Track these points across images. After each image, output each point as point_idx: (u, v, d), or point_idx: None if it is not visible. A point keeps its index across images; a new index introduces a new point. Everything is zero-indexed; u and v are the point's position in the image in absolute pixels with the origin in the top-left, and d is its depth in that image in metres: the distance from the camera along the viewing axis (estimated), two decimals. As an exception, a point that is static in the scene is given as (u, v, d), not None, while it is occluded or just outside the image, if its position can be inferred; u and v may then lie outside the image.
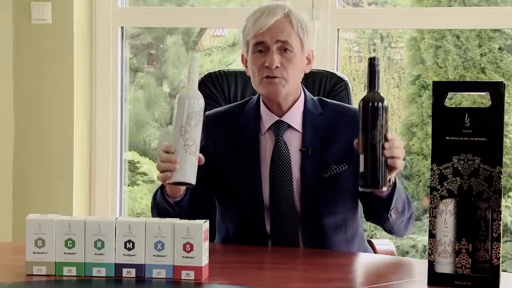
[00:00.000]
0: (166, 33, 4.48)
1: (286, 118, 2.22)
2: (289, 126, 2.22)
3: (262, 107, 2.24)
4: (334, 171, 2.19)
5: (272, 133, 2.22)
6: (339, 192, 2.19)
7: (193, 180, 1.90)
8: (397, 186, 2.06)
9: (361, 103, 1.89)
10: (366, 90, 1.90)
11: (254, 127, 2.24)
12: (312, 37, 2.23)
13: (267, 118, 2.23)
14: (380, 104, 1.87)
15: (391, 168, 1.92)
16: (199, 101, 1.90)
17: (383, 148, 1.88)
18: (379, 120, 1.87)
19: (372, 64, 1.88)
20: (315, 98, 2.30)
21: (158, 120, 4.52)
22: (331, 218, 2.21)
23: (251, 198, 2.20)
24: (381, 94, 1.89)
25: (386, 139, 1.89)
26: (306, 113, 2.23)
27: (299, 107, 2.24)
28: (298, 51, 2.18)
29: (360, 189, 1.90)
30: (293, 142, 2.21)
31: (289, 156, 2.19)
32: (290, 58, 2.17)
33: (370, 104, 1.87)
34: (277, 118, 2.22)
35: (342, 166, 2.19)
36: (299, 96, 2.25)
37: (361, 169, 1.88)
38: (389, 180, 1.97)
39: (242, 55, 2.26)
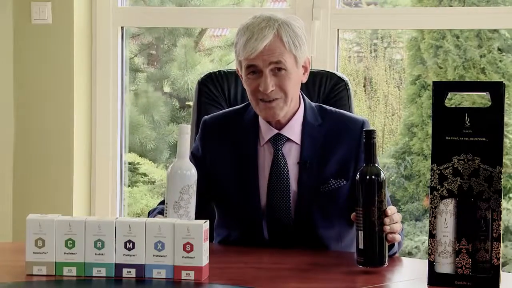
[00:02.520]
0: (170, 34, 4.49)
1: (285, 132, 2.20)
2: (288, 139, 2.20)
3: (261, 119, 2.22)
4: (332, 186, 2.19)
5: (271, 146, 2.20)
6: (336, 206, 2.19)
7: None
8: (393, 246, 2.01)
9: (359, 177, 1.87)
10: (363, 164, 1.88)
11: (253, 138, 2.22)
12: (307, 45, 2.18)
13: (266, 130, 2.21)
14: (378, 178, 1.86)
15: (389, 242, 1.90)
16: (191, 172, 1.89)
17: (383, 224, 1.86)
18: (377, 196, 1.85)
19: (369, 137, 1.87)
20: (315, 105, 2.27)
21: (155, 122, 4.52)
22: (327, 230, 2.21)
23: (249, 209, 2.19)
24: (378, 167, 1.88)
25: (385, 215, 1.86)
26: (305, 124, 2.22)
27: (298, 119, 2.22)
28: (293, 67, 2.15)
29: (359, 265, 1.87)
30: (292, 154, 2.20)
31: (288, 170, 2.18)
32: (284, 77, 2.13)
33: (368, 178, 1.85)
34: (276, 131, 2.20)
35: (341, 181, 2.19)
36: (299, 107, 2.23)
37: (361, 245, 1.85)
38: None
39: (237, 68, 2.23)
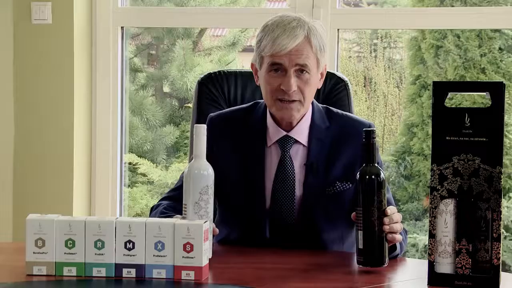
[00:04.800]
0: (169, 34, 4.49)
1: (293, 134, 2.19)
2: (296, 141, 2.20)
3: (269, 119, 2.21)
4: (338, 189, 2.18)
5: (278, 148, 2.20)
6: (340, 209, 2.17)
7: (210, 255, 1.87)
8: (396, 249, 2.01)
9: (358, 177, 1.86)
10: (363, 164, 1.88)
11: (260, 139, 2.21)
12: (327, 52, 2.19)
13: (274, 131, 2.20)
14: (378, 178, 1.85)
15: (389, 242, 1.89)
16: (209, 172, 1.89)
17: (383, 223, 1.85)
18: (377, 196, 1.85)
19: (369, 137, 1.87)
20: (322, 107, 2.27)
21: (148, 123, 4.52)
22: (329, 233, 2.20)
23: (253, 209, 2.19)
24: (378, 167, 1.87)
25: (385, 214, 1.86)
26: (313, 127, 2.21)
27: (306, 121, 2.21)
28: (314, 71, 2.15)
29: (359, 265, 1.87)
30: (299, 156, 2.19)
31: (294, 173, 2.17)
32: (306, 80, 2.13)
33: (368, 178, 1.85)
34: (285, 133, 2.19)
35: (346, 184, 2.18)
36: (307, 109, 2.22)
37: (360, 245, 1.85)
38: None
39: (253, 64, 2.22)
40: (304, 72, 2.12)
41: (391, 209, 1.87)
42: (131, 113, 4.45)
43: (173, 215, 2.04)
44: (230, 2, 4.41)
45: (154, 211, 2.16)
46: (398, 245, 1.98)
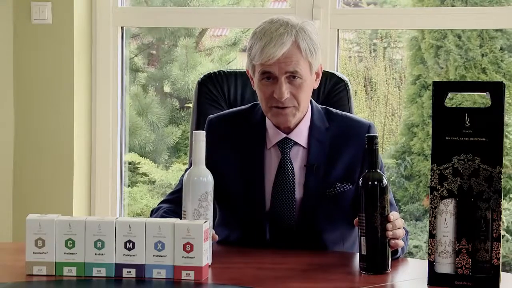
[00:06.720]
0: (171, 35, 4.49)
1: (293, 136, 2.19)
2: (296, 143, 2.19)
3: (268, 122, 2.21)
4: (338, 190, 2.18)
5: (278, 150, 2.19)
6: (340, 209, 2.17)
7: (209, 260, 1.86)
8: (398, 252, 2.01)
9: (361, 183, 1.86)
10: (365, 170, 1.88)
11: (260, 141, 2.21)
12: (320, 51, 2.17)
13: (274, 134, 2.20)
14: (380, 184, 1.85)
15: (392, 247, 1.88)
16: (208, 179, 1.88)
17: (386, 229, 1.85)
18: (380, 202, 1.85)
19: (371, 142, 1.86)
20: (322, 108, 2.26)
21: (152, 124, 4.52)
22: (330, 234, 2.20)
23: (253, 211, 2.19)
24: (381, 172, 1.87)
25: (388, 220, 1.85)
26: (312, 128, 2.20)
27: (306, 123, 2.21)
28: (307, 75, 2.14)
29: (362, 271, 1.86)
30: (299, 158, 2.19)
31: (294, 175, 2.17)
32: (299, 85, 2.12)
33: (370, 184, 1.85)
34: (284, 135, 2.19)
35: (347, 185, 2.18)
36: (307, 111, 2.22)
37: (363, 251, 1.85)
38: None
39: (247, 70, 2.21)
40: (296, 77, 2.11)
41: (394, 215, 1.87)
42: (136, 114, 4.45)
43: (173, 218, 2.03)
44: (233, 2, 4.41)
45: (154, 214, 2.16)
46: (399, 248, 1.98)
